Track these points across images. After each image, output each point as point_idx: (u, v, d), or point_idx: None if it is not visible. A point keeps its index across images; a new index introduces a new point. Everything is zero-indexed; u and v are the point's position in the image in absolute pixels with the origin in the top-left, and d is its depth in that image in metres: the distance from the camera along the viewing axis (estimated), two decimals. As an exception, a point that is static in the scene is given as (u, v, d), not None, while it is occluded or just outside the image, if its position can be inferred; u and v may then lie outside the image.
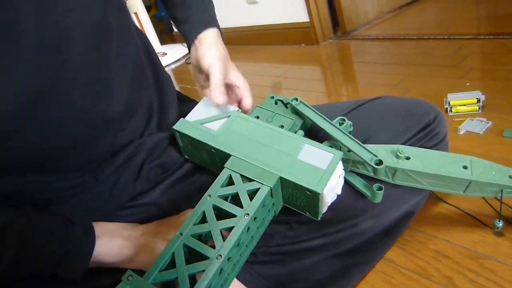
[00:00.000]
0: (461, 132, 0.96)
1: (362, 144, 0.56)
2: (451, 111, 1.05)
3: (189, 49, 0.71)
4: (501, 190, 0.59)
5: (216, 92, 0.60)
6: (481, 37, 1.53)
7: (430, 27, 1.85)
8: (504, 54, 1.34)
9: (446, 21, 1.87)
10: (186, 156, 0.65)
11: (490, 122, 0.96)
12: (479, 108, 1.02)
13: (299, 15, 2.11)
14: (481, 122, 0.97)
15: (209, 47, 0.67)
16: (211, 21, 0.71)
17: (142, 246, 0.54)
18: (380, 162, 0.55)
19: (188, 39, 0.70)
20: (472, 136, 0.95)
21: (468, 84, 1.19)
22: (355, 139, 0.57)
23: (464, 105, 1.03)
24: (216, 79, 0.62)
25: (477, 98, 1.01)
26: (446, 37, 1.62)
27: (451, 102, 1.04)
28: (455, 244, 0.66)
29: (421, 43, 1.67)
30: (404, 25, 2.03)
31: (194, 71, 0.72)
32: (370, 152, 0.56)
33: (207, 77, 0.65)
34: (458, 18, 1.85)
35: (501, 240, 0.65)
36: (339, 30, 2.14)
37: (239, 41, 2.51)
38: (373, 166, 0.55)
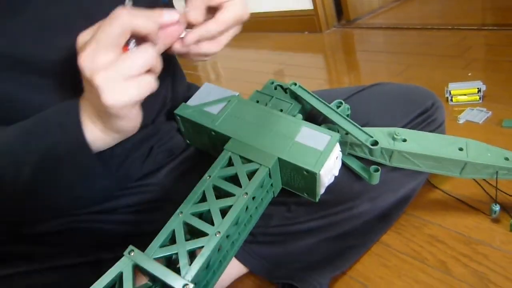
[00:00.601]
0: (461, 121, 0.97)
1: (359, 126, 0.57)
2: (451, 100, 1.05)
3: None
4: (496, 172, 0.59)
5: (193, 10, 0.51)
6: (485, 28, 1.53)
7: (435, 17, 1.84)
8: (507, 45, 1.34)
9: (451, 12, 1.86)
10: (188, 141, 0.66)
11: (490, 112, 0.97)
12: (480, 98, 1.03)
13: (303, 2, 2.11)
14: (481, 111, 0.98)
15: None
16: None
17: None
18: (375, 143, 0.56)
19: None
20: (471, 125, 0.95)
21: (470, 74, 1.20)
22: (352, 121, 0.58)
23: (464, 94, 1.04)
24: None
25: (477, 88, 1.02)
26: (450, 27, 1.62)
27: (452, 92, 1.05)
28: (449, 230, 0.68)
29: (425, 33, 1.67)
30: (408, 14, 2.03)
31: None
32: (366, 133, 0.57)
33: None
34: (463, 9, 1.84)
35: (495, 226, 0.66)
36: (343, 18, 2.14)
37: (243, 28, 2.50)
38: (368, 147, 0.56)
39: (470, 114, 0.98)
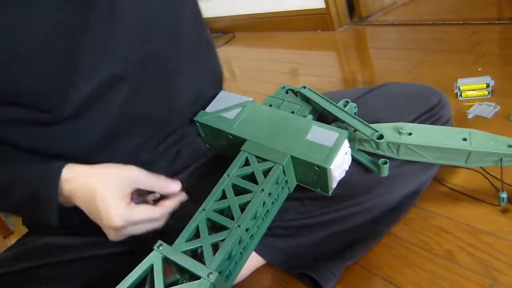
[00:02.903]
0: (470, 116, 0.99)
1: (365, 122, 0.61)
2: (461, 96, 1.08)
3: None
4: (501, 159, 0.62)
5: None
6: (495, 22, 1.54)
7: (446, 12, 1.85)
8: (517, 39, 1.36)
9: (462, 6, 1.86)
10: (208, 146, 0.71)
11: (499, 107, 0.99)
12: (489, 93, 1.05)
13: (315, 1, 2.14)
14: (489, 106, 1.00)
15: None
16: None
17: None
18: (381, 137, 0.60)
19: None
20: (480, 120, 0.98)
21: (480, 69, 1.22)
22: (358, 118, 0.62)
23: (473, 90, 1.06)
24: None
25: (486, 83, 1.04)
26: (461, 22, 1.63)
27: (461, 87, 1.07)
28: (456, 221, 0.71)
29: (436, 28, 1.68)
30: (420, 10, 2.04)
31: None
32: (372, 128, 0.60)
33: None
34: (474, 3, 1.84)
35: (501, 218, 0.69)
36: (355, 16, 2.16)
37: (255, 27, 2.55)
38: (375, 141, 0.60)
39: (479, 109, 1.01)
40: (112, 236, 0.52)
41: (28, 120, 0.53)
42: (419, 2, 2.15)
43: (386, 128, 0.64)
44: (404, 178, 0.71)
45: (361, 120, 0.61)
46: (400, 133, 0.63)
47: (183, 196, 0.58)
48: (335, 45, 1.94)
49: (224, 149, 0.68)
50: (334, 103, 0.64)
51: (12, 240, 1.30)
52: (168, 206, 0.56)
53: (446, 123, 0.72)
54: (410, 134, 0.63)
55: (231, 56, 2.30)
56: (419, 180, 0.73)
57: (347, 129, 0.62)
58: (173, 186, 0.56)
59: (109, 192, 0.50)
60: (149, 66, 0.57)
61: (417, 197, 0.74)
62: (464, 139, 0.62)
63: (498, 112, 0.98)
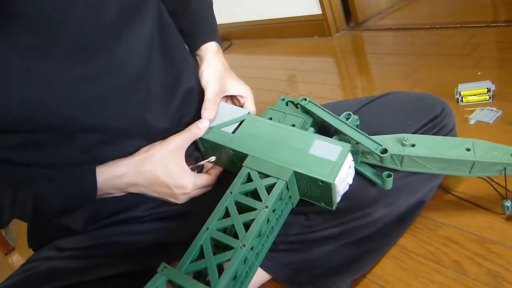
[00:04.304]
0: (472, 122, 0.99)
1: (368, 136, 0.60)
2: (462, 101, 1.07)
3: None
4: (505, 168, 0.61)
5: (207, 109, 0.65)
6: (493, 24, 1.54)
7: (443, 15, 1.85)
8: (516, 42, 1.36)
9: (459, 9, 1.87)
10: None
11: (500, 112, 0.99)
12: (490, 98, 1.04)
13: (311, 7, 2.14)
14: (491, 111, 1.00)
15: (209, 64, 0.73)
16: (211, 35, 0.77)
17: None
18: (384, 151, 0.59)
19: (191, 53, 0.77)
20: (482, 125, 0.97)
21: (479, 73, 1.21)
22: (361, 131, 0.61)
23: (474, 95, 1.06)
24: (208, 96, 0.68)
25: (487, 88, 1.04)
26: (458, 25, 1.63)
27: (461, 93, 1.07)
28: (463, 231, 0.70)
29: (434, 32, 1.69)
30: (417, 13, 2.04)
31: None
32: (376, 142, 0.60)
33: None
34: (471, 6, 1.85)
35: (508, 226, 0.69)
36: (352, 20, 2.16)
37: (253, 34, 2.55)
38: (379, 155, 0.59)
39: (480, 114, 1.00)
40: (181, 200, 0.63)
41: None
42: (415, 6, 2.16)
43: (389, 140, 0.63)
44: (410, 189, 0.70)
45: (364, 133, 0.61)
46: (403, 144, 0.62)
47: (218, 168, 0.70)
48: (332, 51, 1.94)
49: (225, 164, 0.67)
50: (336, 116, 0.63)
51: (13, 257, 1.29)
52: (214, 173, 0.68)
53: (450, 131, 0.71)
54: (413, 145, 0.62)
55: (228, 64, 2.28)
56: (425, 189, 0.72)
57: (349, 142, 0.61)
58: (205, 115, 0.65)
59: (172, 167, 0.60)
60: None
61: (423, 207, 0.74)
62: (468, 149, 0.62)
63: (500, 116, 0.98)
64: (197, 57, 0.76)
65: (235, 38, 2.67)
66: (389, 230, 0.70)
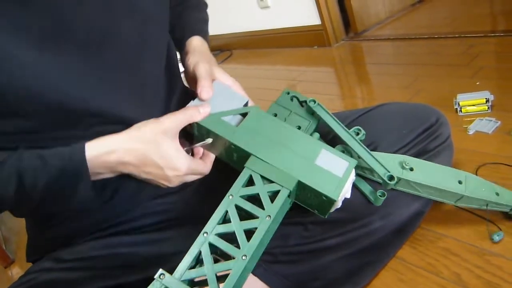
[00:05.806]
0: (471, 132, 0.99)
1: (376, 157, 0.60)
2: (461, 111, 1.08)
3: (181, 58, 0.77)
4: (487, 204, 0.66)
5: (204, 87, 0.62)
6: (492, 34, 1.55)
7: (442, 25, 1.87)
8: (514, 52, 1.36)
9: (458, 19, 1.88)
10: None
11: (499, 122, 0.99)
12: (488, 108, 1.05)
13: (310, 18, 2.16)
14: (490, 121, 1.00)
15: (193, 50, 0.73)
16: (196, 32, 0.78)
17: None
18: (391, 178, 0.59)
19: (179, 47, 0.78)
20: (481, 136, 0.97)
21: (478, 83, 1.22)
22: (369, 151, 0.61)
23: (473, 105, 1.06)
24: (202, 74, 0.65)
25: (486, 98, 1.04)
26: (457, 35, 1.64)
27: (460, 103, 1.07)
28: (463, 242, 0.70)
29: (432, 42, 1.69)
30: (415, 23, 2.05)
31: (185, 77, 0.76)
32: (384, 167, 0.60)
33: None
34: (470, 15, 1.86)
35: (508, 238, 0.69)
36: (351, 31, 2.17)
37: (253, 45, 2.56)
38: (385, 181, 0.59)
39: (479, 125, 1.00)
40: (174, 183, 0.60)
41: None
42: (414, 16, 2.17)
43: (391, 161, 0.63)
44: (407, 199, 0.70)
45: (372, 153, 0.61)
46: (403, 167, 0.63)
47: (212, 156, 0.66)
48: (332, 61, 1.94)
49: (219, 153, 0.64)
50: (345, 127, 0.62)
51: (13, 270, 1.28)
52: (210, 161, 0.65)
53: (445, 140, 0.72)
54: (411, 169, 0.63)
55: (229, 74, 2.29)
56: (423, 200, 0.72)
57: (351, 154, 0.61)
58: (203, 96, 0.62)
59: (165, 148, 0.57)
60: None
61: (422, 218, 0.73)
62: (460, 182, 0.65)
63: (499, 127, 0.98)
64: (183, 54, 0.76)
65: (235, 48, 2.69)
66: (388, 241, 0.70)
